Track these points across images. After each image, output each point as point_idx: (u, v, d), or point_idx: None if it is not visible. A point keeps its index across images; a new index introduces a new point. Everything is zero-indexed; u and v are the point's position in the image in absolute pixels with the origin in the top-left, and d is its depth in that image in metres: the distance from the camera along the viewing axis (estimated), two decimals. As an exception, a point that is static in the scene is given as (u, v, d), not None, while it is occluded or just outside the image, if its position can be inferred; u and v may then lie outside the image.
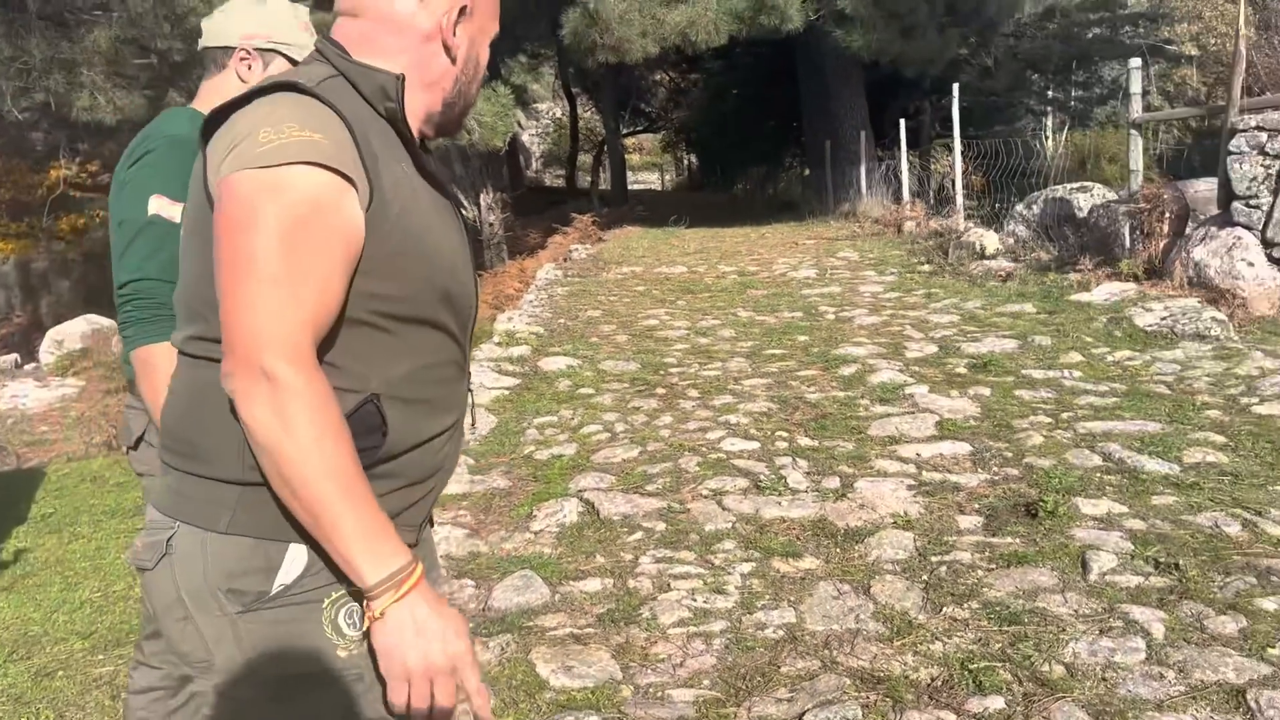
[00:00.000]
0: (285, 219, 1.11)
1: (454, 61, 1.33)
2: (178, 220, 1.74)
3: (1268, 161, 6.59)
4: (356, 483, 1.12)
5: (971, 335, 6.55)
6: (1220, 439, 4.35)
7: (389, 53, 1.28)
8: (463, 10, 1.31)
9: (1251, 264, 6.52)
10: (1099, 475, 4.03)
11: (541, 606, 3.28)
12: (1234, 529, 3.45)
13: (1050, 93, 23.39)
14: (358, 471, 1.13)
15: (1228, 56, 28.38)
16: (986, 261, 9.07)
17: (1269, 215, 6.61)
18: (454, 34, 1.31)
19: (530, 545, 3.79)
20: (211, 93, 2.07)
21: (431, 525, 1.52)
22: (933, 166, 18.07)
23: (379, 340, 1.22)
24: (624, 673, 2.84)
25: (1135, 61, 8.02)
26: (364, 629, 1.18)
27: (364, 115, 1.22)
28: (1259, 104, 6.85)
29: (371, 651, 1.18)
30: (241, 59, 2.05)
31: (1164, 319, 6.17)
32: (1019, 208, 10.73)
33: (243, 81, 2.02)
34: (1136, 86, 7.90)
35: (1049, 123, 27.05)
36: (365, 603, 1.15)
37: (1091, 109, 23.46)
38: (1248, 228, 6.67)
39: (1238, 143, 6.69)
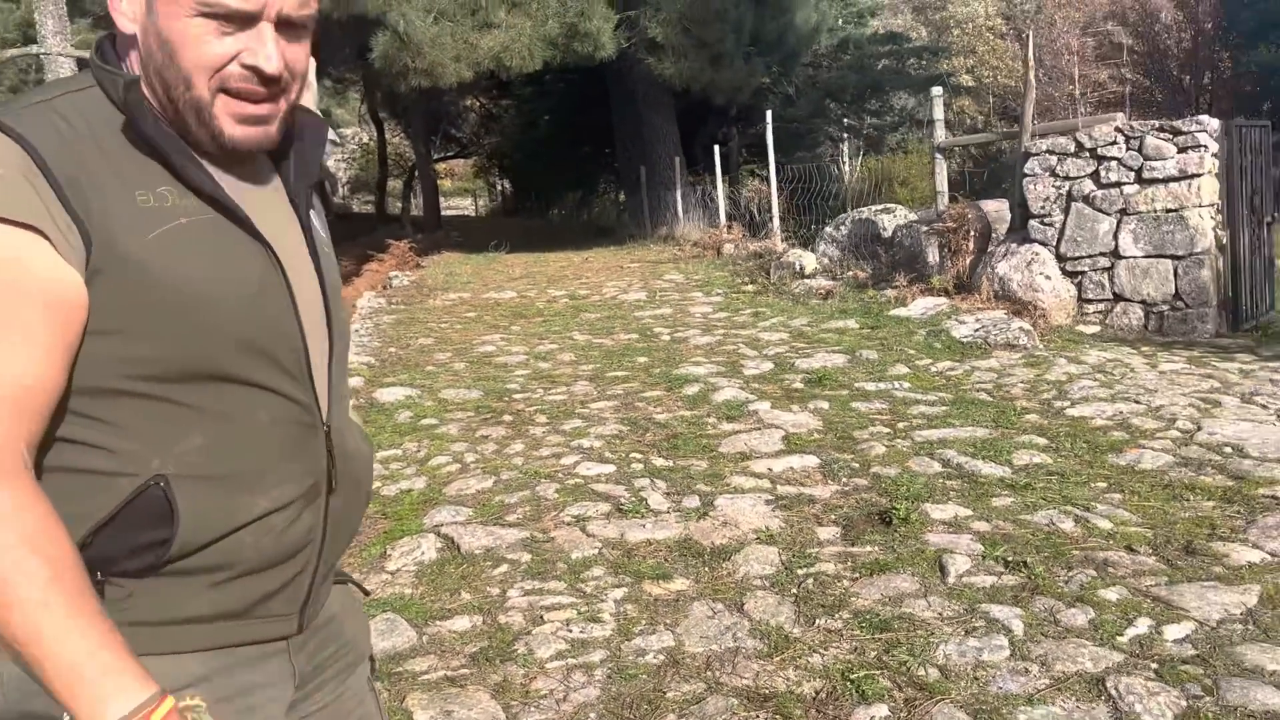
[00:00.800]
0: None
1: (130, 41, 1.07)
2: None
3: (1058, 183, 7.15)
4: (72, 606, 0.89)
5: (803, 351, 6.77)
6: (1042, 441, 4.66)
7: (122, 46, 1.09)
8: None
9: (1049, 277, 7.04)
10: (942, 481, 4.22)
11: (409, 650, 3.12)
12: (1068, 525, 3.69)
13: (846, 120, 24.68)
14: (73, 592, 0.90)
15: (998, 88, 30.89)
16: (807, 280, 9.43)
17: (1061, 232, 7.16)
18: (119, 5, 1.05)
19: (388, 586, 3.61)
20: None
21: (367, 594, 1.39)
22: (742, 191, 18.70)
23: (153, 410, 1.01)
24: (506, 713, 2.73)
25: (937, 90, 8.57)
26: None
27: (105, 135, 1.01)
28: (1049, 129, 7.43)
29: None
30: None
31: (977, 330, 6.57)
32: (828, 229, 11.22)
33: None
34: (939, 114, 8.42)
35: (845, 148, 28.57)
36: None
37: (885, 135, 24.91)
38: (1043, 244, 7.21)
39: (1031, 165, 7.23)
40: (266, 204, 1.14)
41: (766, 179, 18.31)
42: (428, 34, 15.31)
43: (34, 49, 12.60)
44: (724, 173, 16.11)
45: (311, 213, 1.21)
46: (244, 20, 1.01)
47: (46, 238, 0.94)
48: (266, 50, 1.02)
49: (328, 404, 1.16)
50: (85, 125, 1.01)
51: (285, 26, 1.04)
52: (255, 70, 1.02)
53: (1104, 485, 4.10)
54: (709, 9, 16.36)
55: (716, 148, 15.15)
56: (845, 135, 26.24)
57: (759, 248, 11.88)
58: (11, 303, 0.92)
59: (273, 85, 1.04)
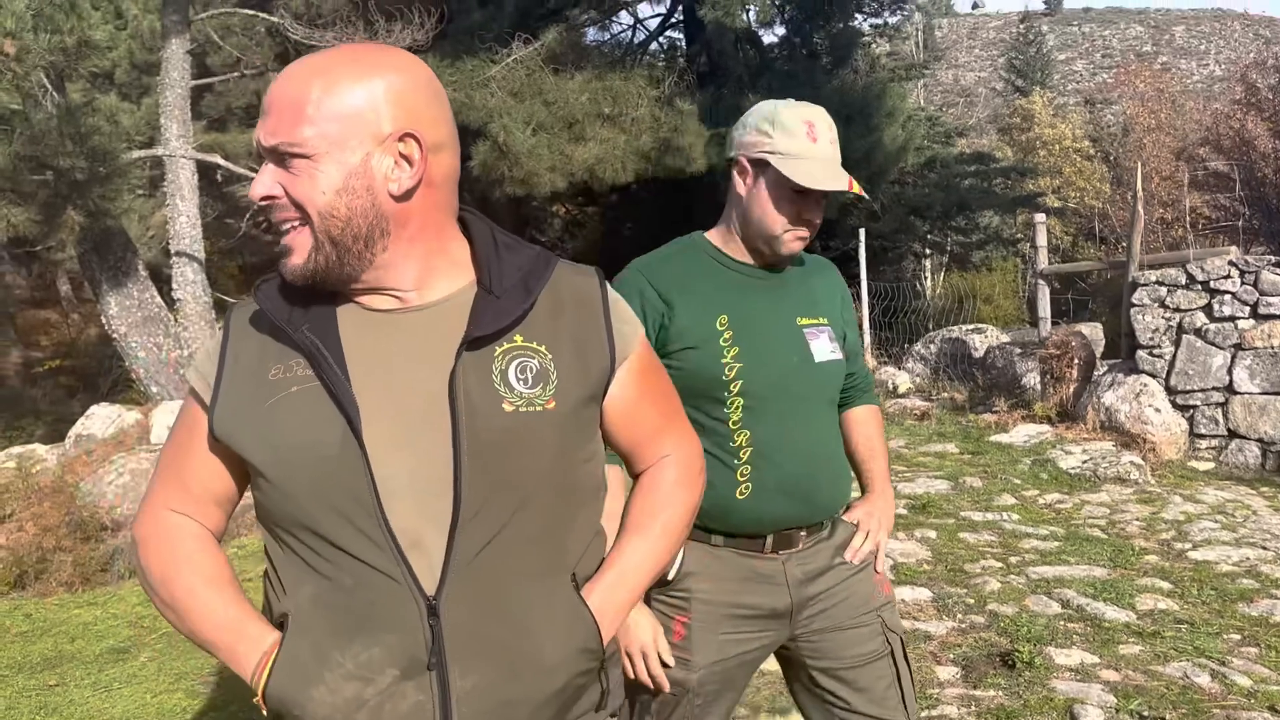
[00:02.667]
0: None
1: None
2: None
3: (1168, 314, 7.03)
4: (192, 607, 1.20)
5: (903, 475, 6.66)
6: (1166, 585, 4.48)
7: None
8: None
9: (1158, 410, 6.87)
10: (1063, 623, 4.08)
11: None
12: (1204, 679, 3.52)
13: (931, 236, 24.70)
14: (199, 591, 1.20)
15: (1085, 209, 30.71)
16: (900, 399, 9.33)
17: (1171, 364, 7.01)
18: None
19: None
20: (727, 206, 1.93)
21: None
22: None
23: (285, 551, 1.18)
24: None
25: (1040, 217, 8.57)
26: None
27: (291, 313, 1.19)
28: (1158, 260, 7.36)
29: None
30: (737, 170, 1.90)
31: (1085, 462, 6.41)
32: (917, 347, 11.13)
33: (738, 193, 1.88)
34: (1042, 240, 8.40)
35: (928, 264, 28.53)
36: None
37: (970, 253, 24.83)
38: (1152, 375, 7.06)
39: (1140, 295, 7.13)
40: (415, 358, 1.16)
41: (850, 293, 18.32)
42: (526, 145, 15.85)
43: (158, 151, 13.34)
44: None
45: (512, 367, 1.17)
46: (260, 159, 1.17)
47: (199, 397, 1.23)
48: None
49: (440, 575, 1.11)
50: (269, 316, 1.19)
51: (275, 157, 1.14)
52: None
53: (1238, 637, 3.92)
54: (799, 128, 16.70)
55: (804, 262, 15.24)
56: (929, 252, 26.25)
57: (848, 364, 11.80)
58: (181, 425, 1.26)
59: (266, 213, 1.16)
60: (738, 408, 1.79)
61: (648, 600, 1.79)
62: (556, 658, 1.18)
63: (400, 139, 1.13)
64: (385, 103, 1.13)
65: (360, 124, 1.12)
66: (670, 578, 1.79)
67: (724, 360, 1.78)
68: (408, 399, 1.15)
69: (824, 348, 1.90)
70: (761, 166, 1.84)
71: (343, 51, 1.14)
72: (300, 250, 1.14)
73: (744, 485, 1.79)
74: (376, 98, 1.12)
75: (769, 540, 1.82)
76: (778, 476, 1.81)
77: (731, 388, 1.79)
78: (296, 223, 1.14)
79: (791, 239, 1.83)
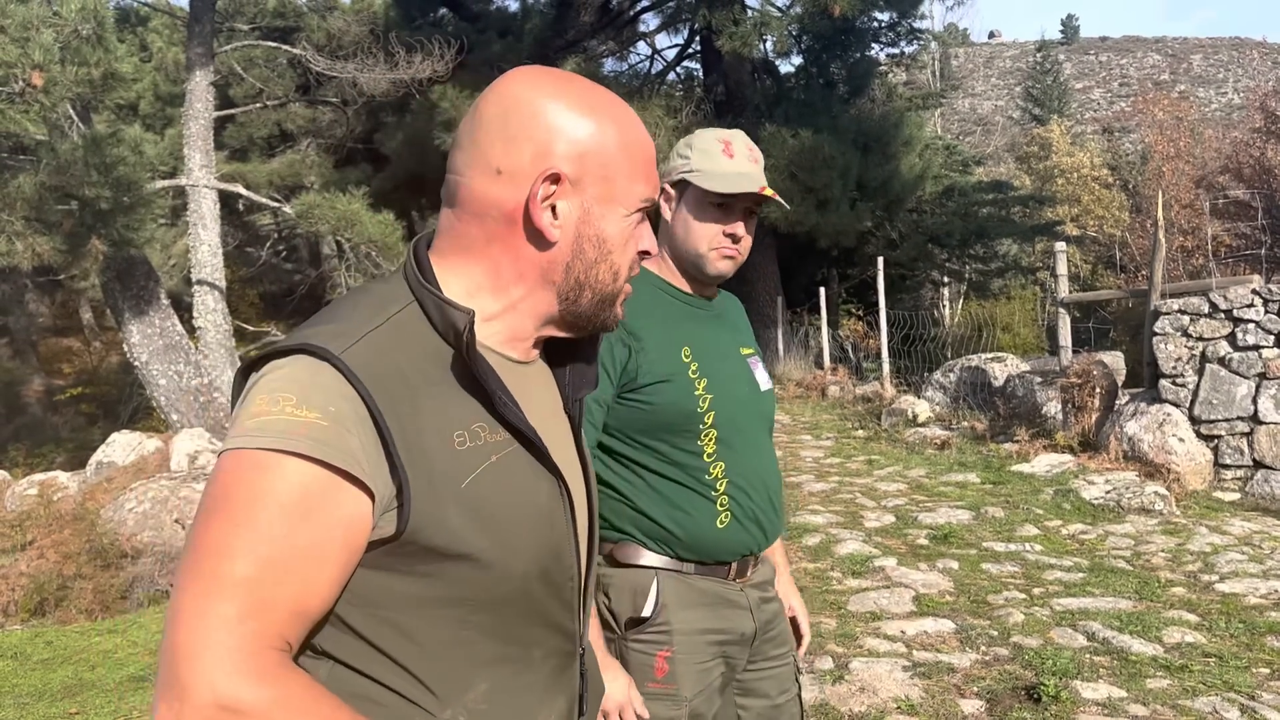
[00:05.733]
0: (261, 512, 0.86)
1: (552, 246, 1.02)
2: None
3: (1191, 343, 6.98)
4: None
5: (924, 505, 6.62)
6: (1193, 618, 4.42)
7: (472, 251, 1.03)
8: (556, 178, 1.00)
9: (1182, 440, 6.80)
10: (1089, 656, 4.02)
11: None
12: (1233, 714, 3.46)
13: (949, 264, 24.67)
14: None
15: (1105, 237, 30.63)
16: (920, 429, 9.28)
17: (1195, 393, 6.95)
18: (547, 212, 1.01)
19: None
20: (659, 237, 1.93)
21: None
22: (841, 332, 18.73)
23: (427, 648, 0.96)
24: None
25: (1061, 245, 8.53)
26: None
27: (431, 368, 0.97)
28: (1180, 289, 7.31)
29: None
30: (662, 198, 1.90)
31: (1108, 492, 6.35)
32: (937, 375, 11.09)
33: (665, 219, 1.89)
34: (1063, 268, 8.36)
35: (946, 292, 28.47)
36: None
37: (989, 281, 24.78)
38: (1176, 405, 7.00)
39: (1162, 324, 7.09)
40: (549, 415, 1.12)
41: (868, 321, 18.38)
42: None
43: (181, 180, 13.52)
44: (819, 312, 16.22)
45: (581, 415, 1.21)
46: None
47: (358, 482, 0.89)
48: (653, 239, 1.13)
49: (578, 621, 1.11)
50: (412, 359, 0.96)
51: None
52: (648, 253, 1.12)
53: (1267, 671, 3.85)
54: (817, 157, 16.77)
55: (822, 290, 15.26)
56: (948, 280, 26.20)
57: (866, 391, 11.79)
58: (314, 535, 0.88)
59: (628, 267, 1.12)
60: (711, 440, 1.79)
61: (624, 644, 1.75)
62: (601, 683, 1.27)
63: None
64: None
65: None
66: (646, 614, 1.74)
67: (696, 393, 1.78)
68: (561, 452, 1.09)
69: (763, 377, 1.95)
70: (682, 187, 1.86)
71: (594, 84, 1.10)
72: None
73: (723, 515, 1.79)
74: None
75: (733, 567, 1.83)
76: (749, 506, 1.83)
77: (705, 420, 1.78)
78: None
79: (717, 258, 1.84)
